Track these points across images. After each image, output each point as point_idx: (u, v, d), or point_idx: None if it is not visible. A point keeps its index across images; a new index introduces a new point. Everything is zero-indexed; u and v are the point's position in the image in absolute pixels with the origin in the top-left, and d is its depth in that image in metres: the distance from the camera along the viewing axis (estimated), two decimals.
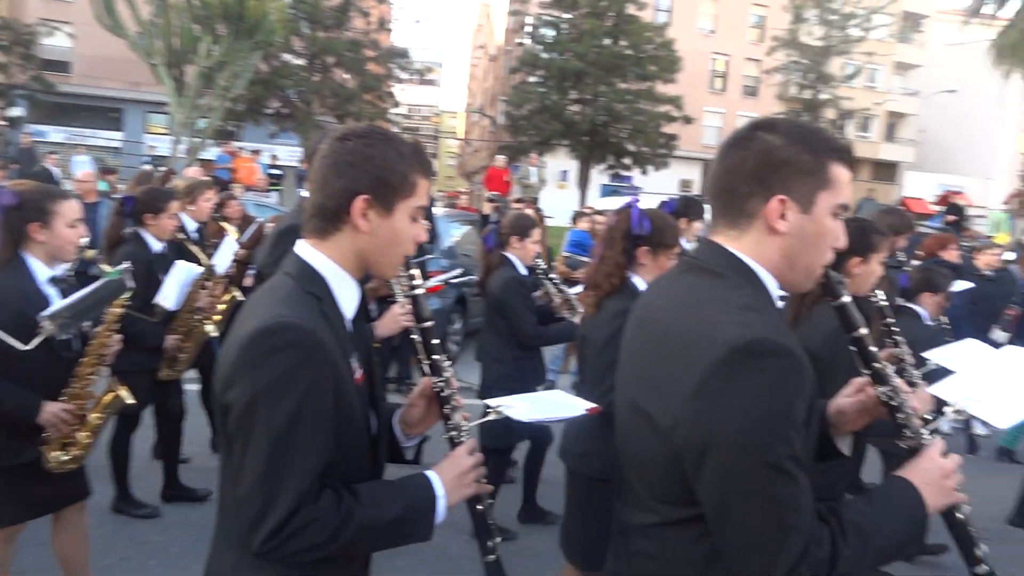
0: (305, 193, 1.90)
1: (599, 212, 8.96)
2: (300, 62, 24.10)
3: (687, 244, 4.77)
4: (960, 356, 2.54)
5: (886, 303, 2.61)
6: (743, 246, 1.34)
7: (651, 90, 26.38)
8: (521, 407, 2.10)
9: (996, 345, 4.37)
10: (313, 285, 1.43)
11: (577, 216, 8.76)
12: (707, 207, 1.45)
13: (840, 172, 1.33)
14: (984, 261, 6.32)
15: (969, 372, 1.62)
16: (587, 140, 26.12)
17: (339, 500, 1.34)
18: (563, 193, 25.96)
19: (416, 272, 1.59)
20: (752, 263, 1.34)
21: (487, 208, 7.98)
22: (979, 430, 6.22)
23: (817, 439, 1.48)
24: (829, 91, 29.93)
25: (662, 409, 1.27)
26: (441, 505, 1.45)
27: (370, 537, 1.38)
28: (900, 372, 2.35)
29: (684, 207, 4.70)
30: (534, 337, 3.99)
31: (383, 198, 1.43)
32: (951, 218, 8.75)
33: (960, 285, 5.40)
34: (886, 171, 42.00)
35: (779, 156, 1.30)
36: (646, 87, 26.36)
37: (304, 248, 1.48)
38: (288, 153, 23.67)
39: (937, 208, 14.64)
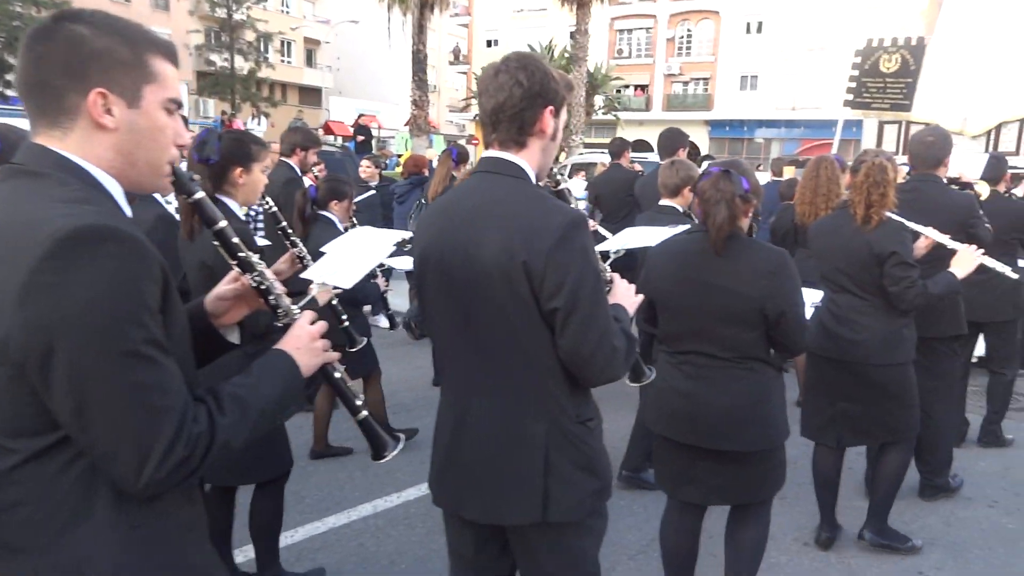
0: None
1: None
2: None
3: None
4: (344, 244, 2.97)
5: (276, 208, 2.75)
6: (69, 145, 1.26)
7: None
8: None
9: None
10: None
11: None
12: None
13: (164, 67, 1.32)
14: (367, 173, 7.55)
15: (332, 254, 1.87)
16: None
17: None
18: None
19: None
20: (83, 162, 1.26)
21: None
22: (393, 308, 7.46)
23: (205, 335, 1.54)
24: (243, 12, 29.82)
25: None
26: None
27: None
28: (304, 268, 2.52)
29: None
30: None
31: None
32: (361, 139, 9.82)
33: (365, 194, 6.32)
34: (312, 96, 44.56)
35: (91, 47, 1.24)
36: None
37: None
38: None
39: (353, 130, 16.32)
